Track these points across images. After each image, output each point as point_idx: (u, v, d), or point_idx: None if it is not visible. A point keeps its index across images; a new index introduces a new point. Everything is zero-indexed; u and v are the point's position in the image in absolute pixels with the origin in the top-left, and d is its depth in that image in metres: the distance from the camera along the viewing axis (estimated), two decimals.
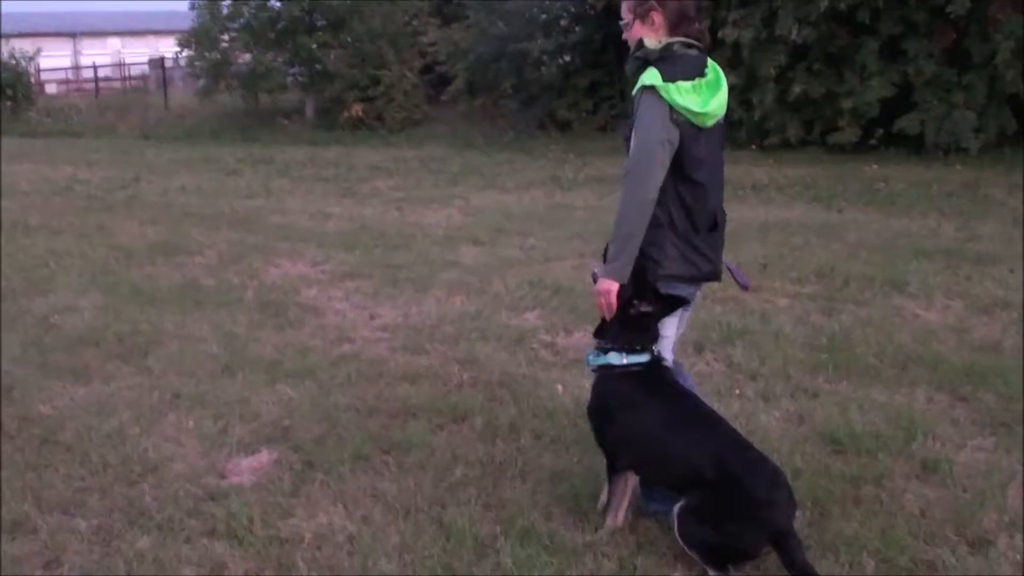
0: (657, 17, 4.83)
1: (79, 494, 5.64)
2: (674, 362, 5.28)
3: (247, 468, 5.93)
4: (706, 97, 4.76)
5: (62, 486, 5.74)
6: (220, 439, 6.35)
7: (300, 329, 8.87)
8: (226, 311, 9.45)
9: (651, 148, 4.68)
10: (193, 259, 12.09)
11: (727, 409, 6.51)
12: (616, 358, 4.92)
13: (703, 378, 7.21)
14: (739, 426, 5.74)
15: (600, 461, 5.25)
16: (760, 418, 6.44)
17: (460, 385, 7.26)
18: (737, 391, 6.98)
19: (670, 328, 5.08)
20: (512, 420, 6.45)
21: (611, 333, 4.96)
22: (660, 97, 4.66)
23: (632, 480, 5.04)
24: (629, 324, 4.88)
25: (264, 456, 6.06)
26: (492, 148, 25.29)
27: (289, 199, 17.51)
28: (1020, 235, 12.48)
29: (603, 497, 5.19)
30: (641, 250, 4.80)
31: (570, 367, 7.64)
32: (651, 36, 4.82)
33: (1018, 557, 4.76)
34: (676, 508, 4.63)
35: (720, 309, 8.99)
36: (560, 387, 7.13)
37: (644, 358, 4.92)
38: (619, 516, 5.03)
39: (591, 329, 8.21)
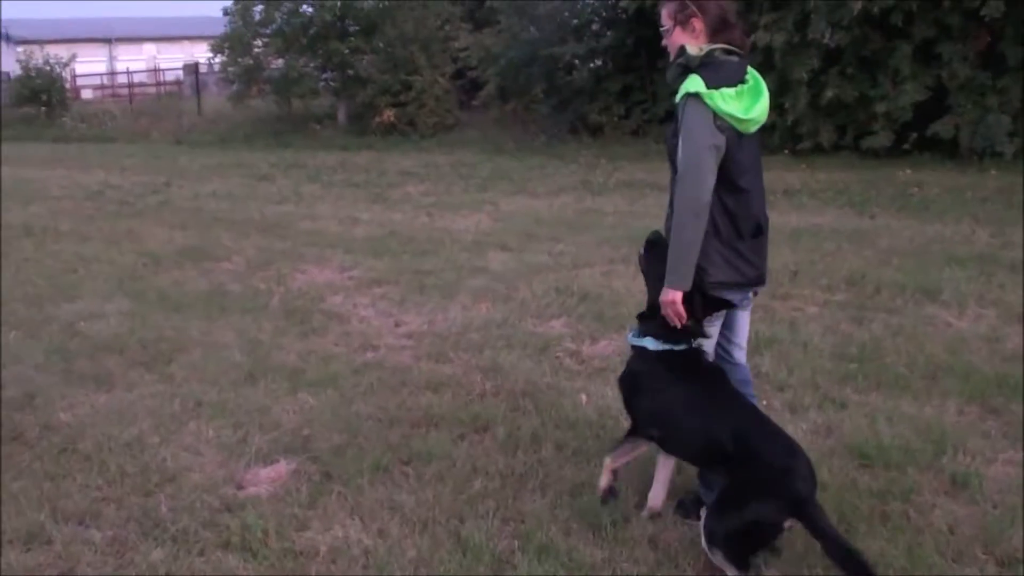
0: (698, 23, 4.88)
1: (95, 504, 5.62)
2: (740, 365, 5.42)
3: (265, 479, 5.89)
4: (748, 104, 4.83)
5: (79, 496, 5.71)
6: (239, 449, 6.30)
7: (324, 336, 8.82)
8: (251, 318, 9.42)
9: (700, 154, 4.73)
10: (221, 265, 12.08)
11: None
12: (652, 343, 5.04)
13: None
14: None
15: (626, 476, 5.19)
16: (787, 430, 6.28)
17: (483, 394, 7.19)
18: (764, 402, 6.85)
19: (712, 328, 5.11)
20: (534, 430, 6.38)
21: (654, 329, 5.05)
22: (704, 104, 4.71)
23: (643, 447, 5.23)
24: (672, 327, 4.94)
25: (282, 466, 6.01)
26: (523, 153, 25.21)
27: (319, 205, 17.49)
28: None
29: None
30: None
31: (595, 376, 7.56)
32: (692, 42, 4.86)
33: None
34: (703, 518, 4.68)
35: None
36: (584, 397, 7.05)
37: (680, 347, 5.00)
38: (616, 462, 5.21)
39: (617, 338, 8.26)
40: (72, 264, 12.24)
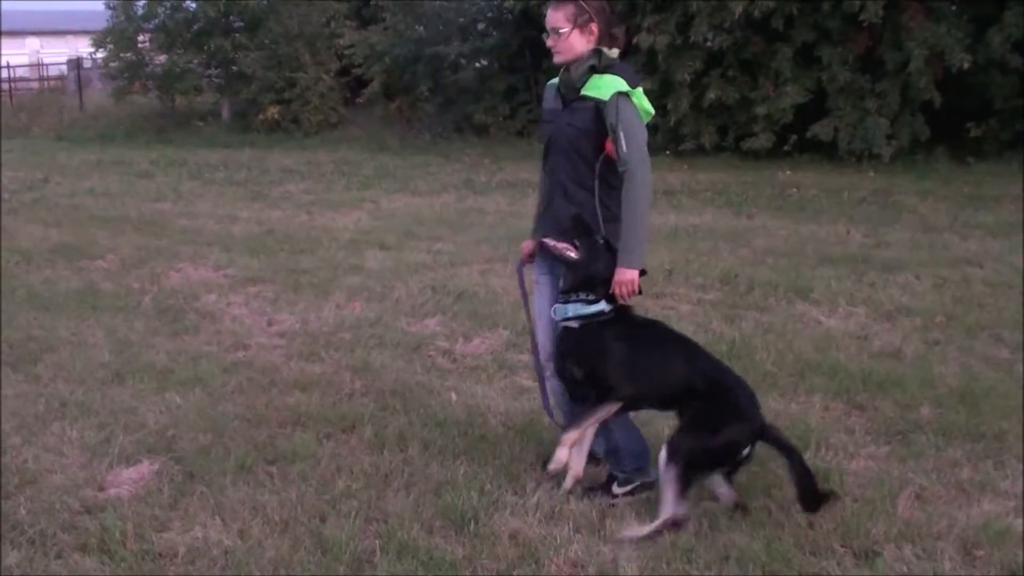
0: (595, 27, 5.33)
1: None
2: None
3: (127, 480, 5.79)
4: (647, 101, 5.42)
5: None
6: (102, 449, 6.19)
7: (196, 336, 8.72)
8: (122, 317, 9.28)
9: (643, 146, 5.27)
10: (94, 263, 11.87)
11: None
12: (604, 305, 5.35)
13: None
14: None
15: (484, 471, 5.21)
16: (656, 424, 6.36)
17: (352, 394, 7.15)
18: None
19: None
20: (402, 430, 6.36)
21: (593, 296, 5.36)
22: (632, 102, 5.28)
23: (611, 410, 5.39)
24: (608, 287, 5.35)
25: (145, 467, 5.91)
26: (407, 151, 25.12)
27: (199, 202, 17.26)
28: (928, 242, 12.59)
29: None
30: (607, 242, 5.35)
31: (466, 375, 7.59)
32: (587, 45, 5.35)
33: (905, 568, 4.75)
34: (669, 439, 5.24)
35: None
36: (454, 395, 7.07)
37: (608, 305, 5.37)
38: (579, 432, 5.39)
39: (491, 336, 8.28)
40: None
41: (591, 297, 5.34)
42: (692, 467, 5.14)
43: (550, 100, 5.66)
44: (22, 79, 54.22)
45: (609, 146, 5.29)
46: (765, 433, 5.28)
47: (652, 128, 17.40)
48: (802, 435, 6.21)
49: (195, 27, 31.40)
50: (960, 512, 5.31)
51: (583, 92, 5.35)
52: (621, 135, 5.20)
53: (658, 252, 11.52)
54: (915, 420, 6.56)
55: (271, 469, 5.86)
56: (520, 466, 5.76)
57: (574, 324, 5.38)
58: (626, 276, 5.28)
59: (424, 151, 25.13)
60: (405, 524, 5.07)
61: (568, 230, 5.36)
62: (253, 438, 6.31)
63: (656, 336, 5.59)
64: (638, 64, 21.16)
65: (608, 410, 5.34)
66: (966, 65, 18.88)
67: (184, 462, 5.97)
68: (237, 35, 31.01)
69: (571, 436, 5.33)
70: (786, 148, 20.85)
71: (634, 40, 20.95)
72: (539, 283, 5.80)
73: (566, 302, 5.40)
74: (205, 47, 31.31)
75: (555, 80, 5.64)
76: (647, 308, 9.01)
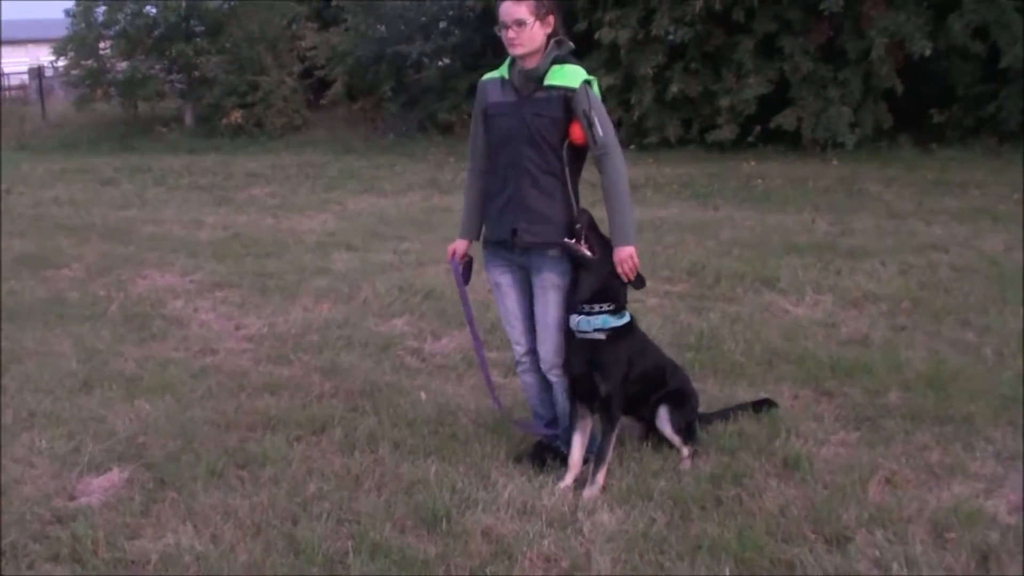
0: (552, 19, 5.45)
1: None
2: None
3: (97, 488, 5.77)
4: None
5: None
6: (72, 458, 6.16)
7: (163, 342, 8.68)
8: (89, 325, 9.22)
9: (613, 130, 5.47)
10: (60, 272, 11.80)
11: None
12: (627, 315, 5.68)
13: None
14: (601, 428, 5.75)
15: (456, 469, 5.22)
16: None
17: (321, 396, 7.14)
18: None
19: None
20: (372, 430, 6.36)
21: (615, 304, 5.58)
22: (594, 88, 5.47)
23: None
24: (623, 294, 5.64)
25: (115, 475, 5.90)
26: (372, 152, 25.01)
27: (164, 209, 17.15)
28: (893, 228, 12.65)
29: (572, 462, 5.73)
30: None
31: (436, 373, 7.60)
32: (544, 36, 5.43)
33: (876, 553, 4.78)
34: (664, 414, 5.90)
35: None
36: (423, 394, 7.07)
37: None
38: (609, 458, 5.66)
39: (459, 335, 8.28)
40: None
41: (613, 307, 5.54)
42: (693, 431, 5.96)
43: (495, 94, 5.64)
44: None
45: (576, 133, 5.40)
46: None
47: (615, 123, 17.50)
48: (772, 424, 6.26)
49: (156, 32, 31.18)
50: (930, 495, 5.36)
51: (548, 82, 5.42)
52: (596, 120, 5.35)
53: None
54: (884, 405, 6.62)
55: (242, 473, 5.85)
56: (491, 463, 5.78)
57: (601, 336, 5.52)
58: (625, 253, 5.44)
59: (388, 151, 25.04)
60: (377, 524, 5.08)
61: (585, 227, 5.47)
62: (223, 443, 6.30)
63: (653, 346, 6.13)
64: (601, 59, 21.18)
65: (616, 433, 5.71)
66: (927, 52, 18.99)
67: (155, 469, 5.95)
68: (198, 40, 30.82)
69: (604, 472, 5.58)
70: (750, 139, 20.92)
71: (595, 35, 20.99)
72: (501, 284, 5.84)
73: (590, 314, 5.50)
74: (166, 52, 31.09)
75: (493, 74, 5.71)
76: None
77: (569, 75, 5.41)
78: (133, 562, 4.93)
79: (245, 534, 5.11)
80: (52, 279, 11.44)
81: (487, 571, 4.70)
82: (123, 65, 32.01)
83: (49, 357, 8.28)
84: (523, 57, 5.44)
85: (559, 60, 5.45)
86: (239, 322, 9.26)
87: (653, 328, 8.27)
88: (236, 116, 29.23)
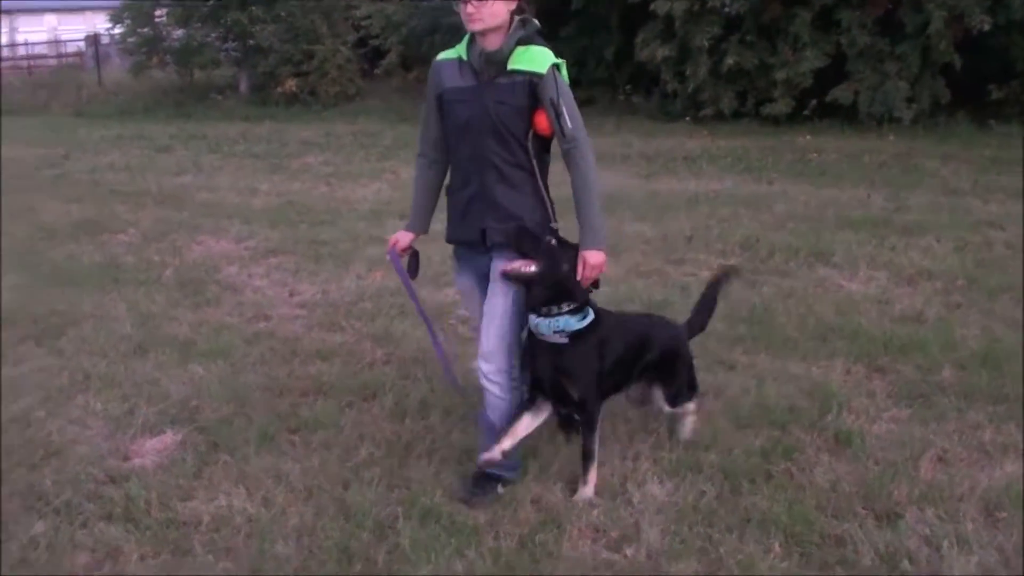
0: None
1: None
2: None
3: (151, 450, 5.85)
4: None
5: None
6: (126, 421, 6.26)
7: (217, 307, 8.76)
8: (144, 290, 9.32)
9: (581, 119, 4.99)
10: (116, 237, 11.92)
11: None
12: (571, 323, 5.05)
13: None
14: None
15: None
16: None
17: (373, 363, 7.19)
18: None
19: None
20: (423, 397, 6.39)
21: (574, 304, 5.06)
22: (563, 73, 4.98)
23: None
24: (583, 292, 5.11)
25: (168, 437, 5.98)
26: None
27: (218, 176, 17.25)
28: (949, 205, 12.53)
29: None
30: (559, 240, 5.07)
31: None
32: (507, 12, 4.93)
33: (927, 530, 4.74)
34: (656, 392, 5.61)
35: (642, 283, 8.95)
36: (474, 363, 7.04)
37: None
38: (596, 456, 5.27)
39: None
40: None
41: (573, 307, 5.01)
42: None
43: (453, 78, 5.09)
44: (40, 56, 54.27)
45: (541, 123, 4.95)
46: None
47: (671, 95, 17.40)
48: (824, 399, 6.24)
49: (211, 1, 31.29)
50: (982, 474, 5.31)
51: (512, 66, 4.92)
52: (564, 110, 4.88)
53: (678, 219, 11.55)
54: (937, 383, 6.55)
55: (294, 438, 5.92)
56: (542, 433, 5.78)
57: (563, 340, 5.02)
58: (596, 259, 4.98)
59: None
60: (428, 491, 5.10)
61: (514, 239, 4.98)
62: (275, 408, 6.36)
63: (623, 324, 5.52)
64: (655, 31, 21.07)
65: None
66: (987, 27, 18.68)
67: (207, 432, 6.02)
68: (253, 8, 30.78)
69: (594, 470, 5.23)
70: (806, 113, 20.66)
71: (650, 6, 20.83)
72: (474, 290, 5.40)
73: (547, 316, 4.99)
74: (222, 20, 31.09)
75: (450, 54, 5.18)
76: (668, 274, 9.06)
77: (536, 58, 4.91)
78: (185, 523, 4.99)
79: (296, 498, 5.16)
80: (108, 244, 11.55)
81: (536, 539, 4.71)
82: (179, 33, 32.09)
83: (105, 320, 8.37)
84: (483, 35, 4.91)
85: (524, 41, 4.93)
86: (292, 289, 9.31)
87: None
88: (290, 85, 29.27)
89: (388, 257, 5.68)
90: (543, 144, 5.09)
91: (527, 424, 5.19)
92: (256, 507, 5.07)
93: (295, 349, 7.51)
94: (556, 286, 4.97)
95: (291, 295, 9.12)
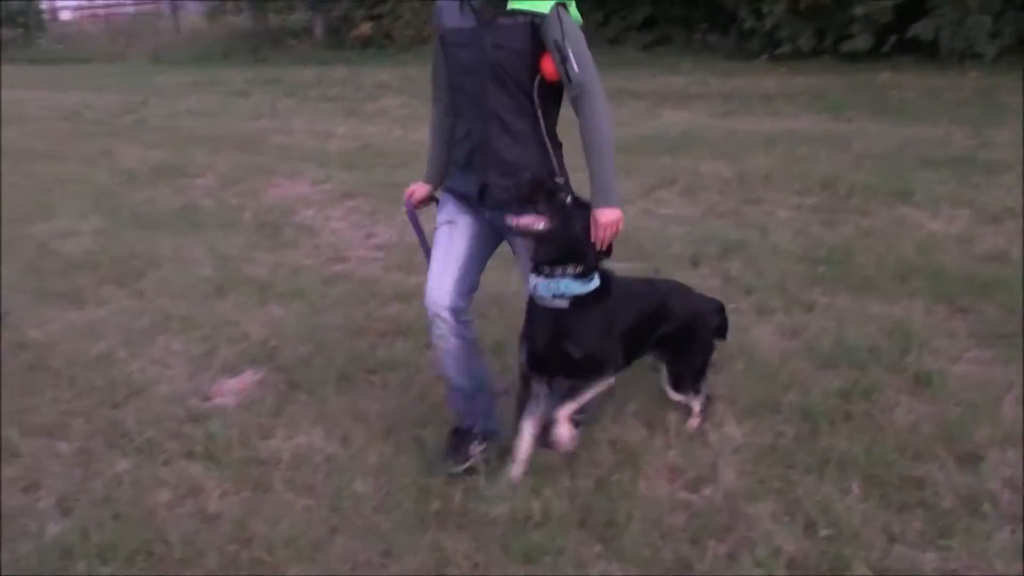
0: None
1: (63, 418, 5.68)
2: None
3: (231, 389, 5.93)
4: None
5: (47, 410, 5.77)
6: (206, 361, 6.35)
7: (295, 249, 8.83)
8: (222, 233, 9.41)
9: (592, 62, 4.44)
10: (194, 181, 12.04)
11: None
12: (574, 286, 4.55)
13: None
14: (731, 340, 5.70)
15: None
16: (752, 332, 6.37)
17: None
18: (732, 305, 6.87)
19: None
20: (499, 338, 6.37)
21: (584, 266, 4.55)
22: (569, 11, 4.48)
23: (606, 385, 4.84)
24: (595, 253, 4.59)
25: (248, 377, 6.06)
26: None
27: (294, 120, 17.31)
28: None
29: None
30: (575, 199, 4.54)
31: None
32: None
33: (1008, 472, 4.68)
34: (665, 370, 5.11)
35: (719, 223, 8.90)
36: None
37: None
38: (578, 404, 4.75)
39: None
40: (47, 184, 12.18)
41: (580, 270, 4.52)
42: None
43: (453, 18, 4.62)
44: (117, 3, 54.58)
45: (548, 68, 4.45)
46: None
47: (748, 32, 17.15)
48: (903, 339, 6.15)
49: None
50: None
51: (513, 5, 4.43)
52: (571, 53, 4.35)
53: (755, 158, 11.43)
54: (1019, 323, 6.42)
55: (372, 378, 5.96)
56: (620, 375, 5.76)
57: (562, 304, 4.55)
58: (610, 217, 4.45)
59: None
60: (504, 430, 5.09)
61: (526, 193, 4.46)
62: (354, 348, 6.41)
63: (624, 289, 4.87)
64: None
65: (608, 383, 4.80)
66: None
67: (286, 372, 6.10)
68: None
69: (567, 410, 4.68)
70: (885, 49, 20.30)
71: None
72: (457, 223, 4.91)
73: (550, 277, 4.52)
74: None
75: None
76: (746, 214, 8.98)
77: None
78: (265, 461, 5.06)
79: (375, 437, 5.20)
80: (187, 188, 11.67)
81: (612, 479, 4.72)
82: None
83: (184, 263, 8.48)
84: None
85: None
86: (369, 231, 9.35)
87: (784, 241, 8.19)
88: (365, 28, 29.25)
89: (405, 209, 5.23)
90: (550, 92, 4.58)
91: (529, 435, 4.79)
92: (335, 446, 5.12)
93: (373, 290, 7.56)
94: (566, 245, 4.48)
95: (367, 237, 9.16)
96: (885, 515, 4.39)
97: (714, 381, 5.60)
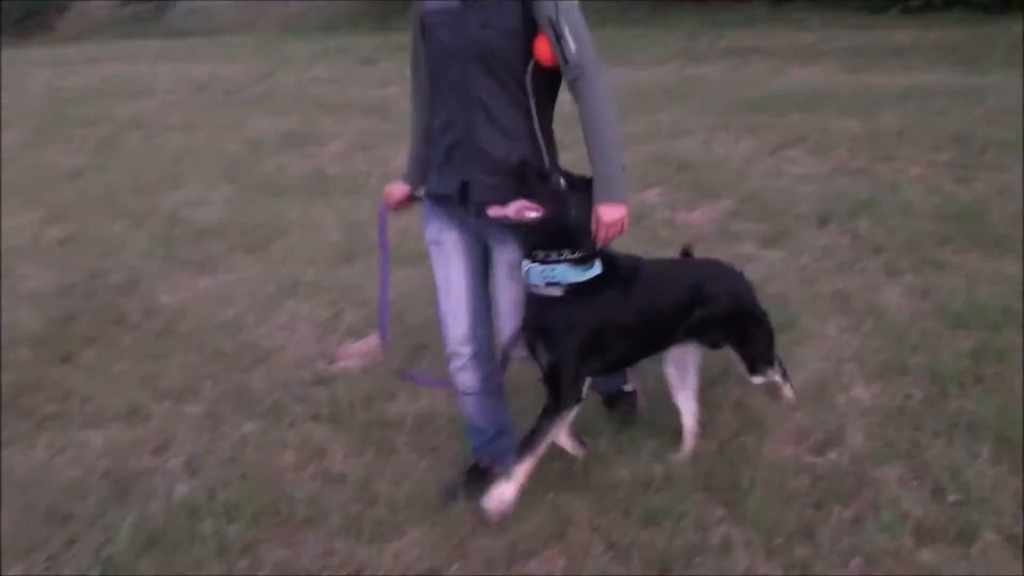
0: None
1: (192, 382, 5.81)
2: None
3: (356, 353, 6.01)
4: None
5: (177, 374, 5.91)
6: (332, 325, 6.44)
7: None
8: (350, 199, 9.49)
9: (592, 42, 3.98)
10: (322, 149, 12.18)
11: (848, 284, 6.36)
12: (571, 274, 4.11)
13: (826, 252, 7.03)
14: (859, 301, 5.61)
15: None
16: (882, 292, 6.24)
17: None
18: (860, 265, 6.76)
19: None
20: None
21: (582, 252, 4.10)
22: None
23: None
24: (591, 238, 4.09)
25: (374, 340, 6.08)
26: (625, 23, 24.67)
27: None
28: None
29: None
30: (569, 178, 4.09)
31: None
32: None
33: None
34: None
35: (847, 180, 8.72)
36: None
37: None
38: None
39: (711, 205, 8.16)
40: (178, 155, 12.42)
41: (579, 255, 4.08)
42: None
43: None
44: None
45: (542, 50, 3.95)
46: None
47: None
48: None
49: None
50: None
51: None
52: (567, 32, 3.87)
53: (886, 115, 11.19)
54: None
55: None
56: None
57: (556, 292, 4.11)
58: (614, 215, 3.99)
59: (642, 22, 24.64)
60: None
61: (513, 181, 4.03)
62: None
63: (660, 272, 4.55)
64: None
65: (565, 421, 4.30)
66: None
67: (412, 335, 6.13)
68: None
69: (525, 466, 4.14)
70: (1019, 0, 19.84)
71: None
72: (443, 243, 4.43)
73: (545, 262, 4.08)
74: None
75: None
76: (876, 171, 8.81)
77: None
78: (389, 423, 5.13)
79: None
80: (315, 155, 11.80)
81: (736, 442, 4.67)
82: None
83: (312, 230, 8.58)
84: None
85: None
86: None
87: (915, 199, 8.01)
88: None
89: (379, 215, 4.84)
90: (546, 78, 4.08)
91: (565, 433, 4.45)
92: (457, 408, 5.12)
93: None
94: (560, 231, 4.06)
95: None
96: (1016, 480, 4.26)
97: (842, 342, 5.53)
